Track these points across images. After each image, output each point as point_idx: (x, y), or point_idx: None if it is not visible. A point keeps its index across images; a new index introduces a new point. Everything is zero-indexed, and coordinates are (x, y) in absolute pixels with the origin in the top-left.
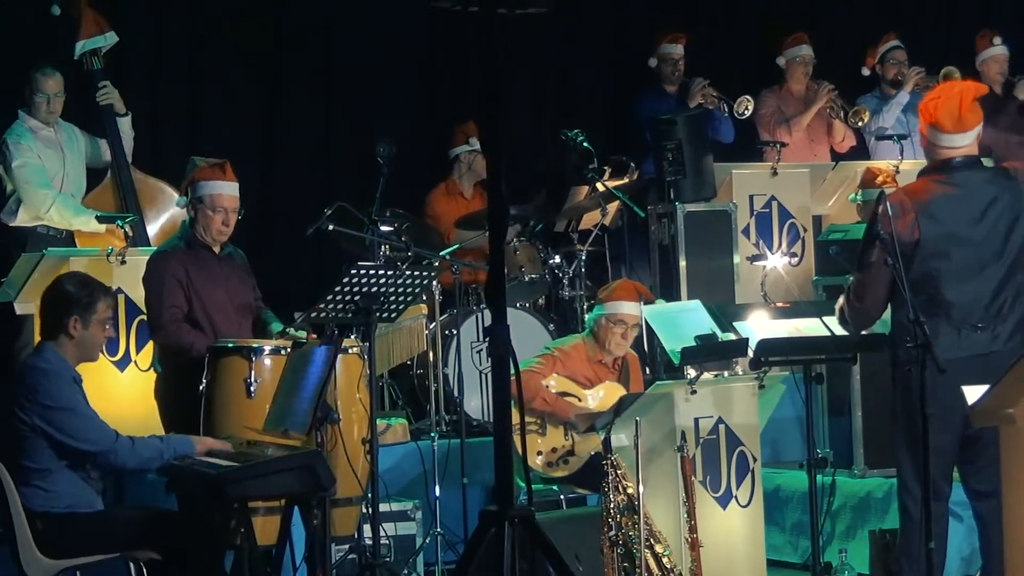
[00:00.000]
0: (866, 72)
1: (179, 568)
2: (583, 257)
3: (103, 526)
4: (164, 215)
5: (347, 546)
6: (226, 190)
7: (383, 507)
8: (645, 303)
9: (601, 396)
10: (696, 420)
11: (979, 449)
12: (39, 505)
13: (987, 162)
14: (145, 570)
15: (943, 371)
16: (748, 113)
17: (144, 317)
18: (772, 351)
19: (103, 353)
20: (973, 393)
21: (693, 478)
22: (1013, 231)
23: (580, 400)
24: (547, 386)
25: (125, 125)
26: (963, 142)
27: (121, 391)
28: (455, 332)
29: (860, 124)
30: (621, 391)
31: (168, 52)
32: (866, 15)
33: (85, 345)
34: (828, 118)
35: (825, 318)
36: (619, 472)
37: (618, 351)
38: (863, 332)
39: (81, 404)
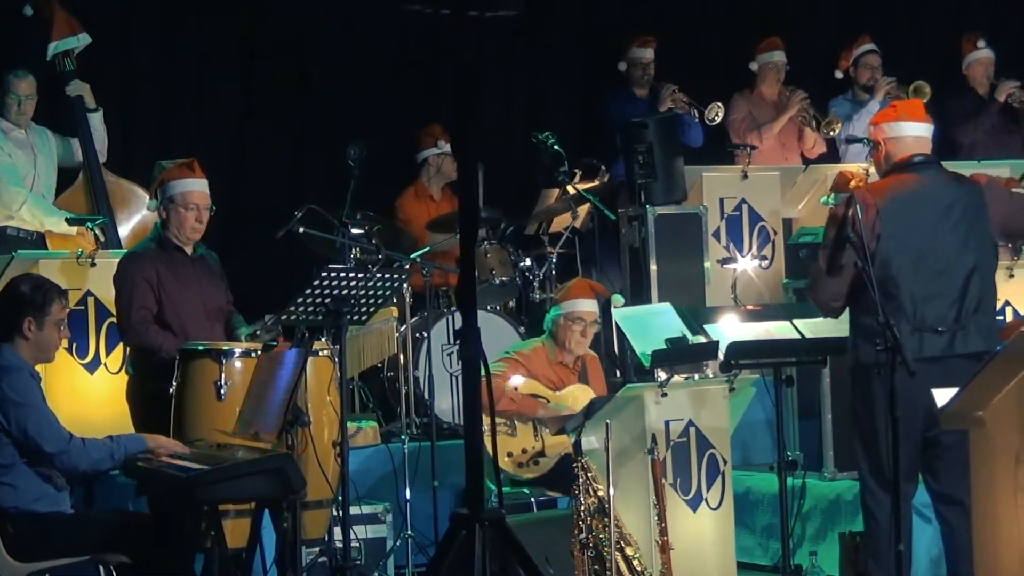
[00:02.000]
0: (839, 75)
1: (149, 572)
2: (554, 260)
3: (73, 529)
4: (135, 217)
5: (318, 549)
6: (196, 187)
7: (353, 510)
8: (602, 300)
9: (569, 395)
10: (667, 423)
11: (939, 452)
12: (8, 502)
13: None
14: (115, 573)
15: (913, 373)
16: (719, 120)
17: (114, 320)
18: (742, 354)
19: (73, 356)
20: (942, 396)
21: (663, 481)
22: (974, 237)
23: (549, 402)
24: (515, 388)
25: (96, 121)
26: (920, 132)
27: (91, 393)
28: (425, 335)
29: (832, 134)
30: (589, 392)
31: (139, 54)
32: (839, 20)
33: (41, 346)
34: (800, 125)
35: (795, 320)
36: (589, 475)
37: (579, 349)
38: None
39: (39, 401)
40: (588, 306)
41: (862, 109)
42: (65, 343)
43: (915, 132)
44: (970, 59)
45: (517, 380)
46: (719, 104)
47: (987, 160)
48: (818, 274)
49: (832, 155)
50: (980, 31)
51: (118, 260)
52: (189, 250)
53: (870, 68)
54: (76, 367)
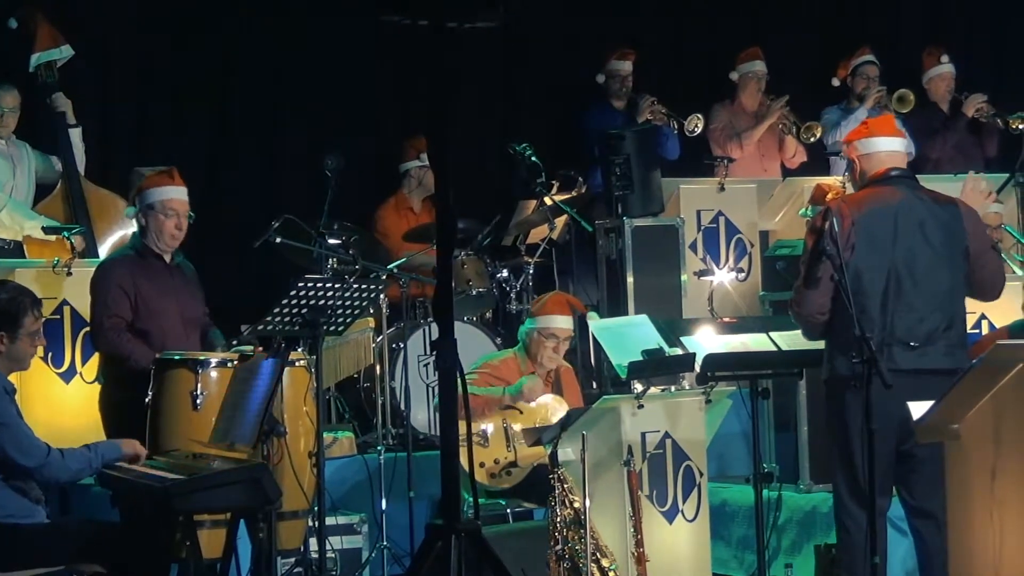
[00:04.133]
0: (836, 83)
1: None
2: (530, 271)
3: (48, 539)
4: (115, 228)
5: (293, 559)
6: (176, 194)
7: (329, 520)
8: (578, 315)
9: (541, 405)
10: (643, 434)
11: (913, 465)
12: None
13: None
14: None
15: (889, 386)
16: (699, 131)
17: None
18: (719, 366)
19: (49, 365)
20: (918, 409)
21: (639, 492)
22: (948, 255)
23: (522, 412)
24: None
25: (76, 137)
26: (894, 147)
27: (67, 403)
28: (402, 345)
29: (812, 139)
30: (563, 403)
31: (117, 66)
32: (821, 31)
33: (15, 358)
34: (780, 134)
35: (772, 333)
36: (565, 486)
37: (550, 364)
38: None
39: (14, 417)
40: (563, 322)
41: (850, 117)
42: (41, 352)
43: (888, 147)
44: (931, 74)
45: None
46: (698, 115)
47: (962, 174)
48: (802, 288)
49: (811, 167)
50: (943, 46)
51: (95, 266)
52: (168, 258)
53: (866, 78)
54: (51, 376)
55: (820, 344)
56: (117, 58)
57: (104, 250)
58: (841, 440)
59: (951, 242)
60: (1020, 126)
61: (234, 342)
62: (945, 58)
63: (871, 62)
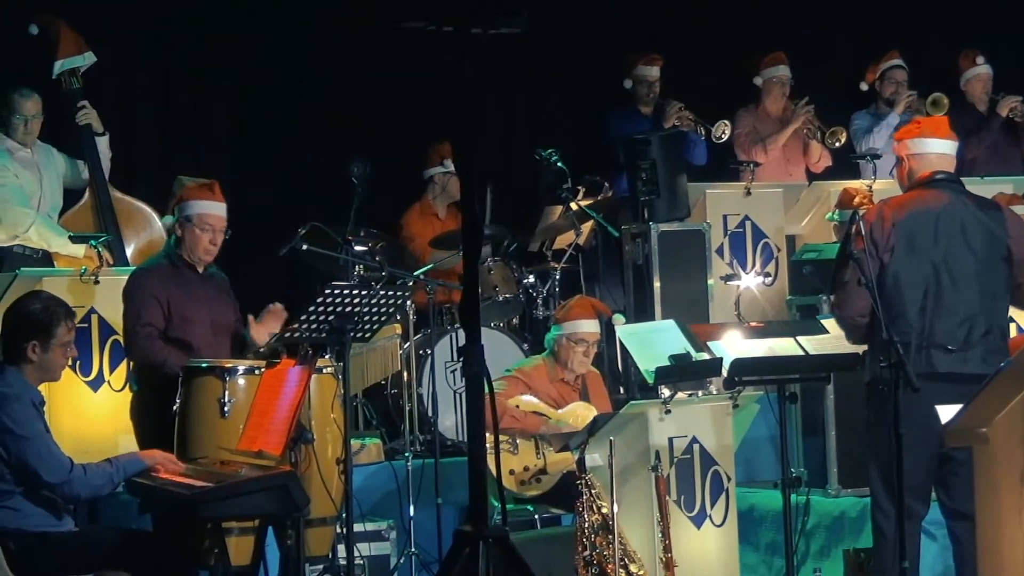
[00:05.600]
0: (864, 87)
1: None
2: (557, 276)
3: (76, 546)
4: (142, 235)
5: (321, 566)
6: (214, 210)
7: (357, 527)
8: (603, 320)
9: (571, 412)
10: (670, 440)
11: (953, 468)
12: (11, 524)
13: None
14: None
15: (916, 390)
16: (726, 137)
17: (118, 337)
18: (746, 371)
19: (76, 373)
20: (947, 412)
21: (667, 498)
22: (991, 260)
23: (551, 419)
24: (515, 406)
25: (103, 145)
26: (943, 150)
27: (94, 411)
28: (429, 352)
29: (837, 144)
30: (592, 410)
31: (141, 72)
32: (849, 36)
33: (46, 368)
34: (805, 138)
35: (799, 337)
36: (593, 491)
37: (580, 369)
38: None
39: (40, 433)
40: (590, 327)
41: (882, 122)
42: (69, 361)
43: (938, 149)
44: (969, 75)
45: (527, 399)
46: (726, 122)
47: (990, 176)
48: (842, 291)
49: (837, 171)
50: (978, 48)
51: (128, 275)
52: (200, 268)
53: (895, 83)
54: (80, 385)
55: (848, 348)
56: (139, 63)
57: (129, 253)
58: (878, 443)
59: (993, 247)
60: None
61: (262, 349)
62: (981, 59)
63: (900, 66)
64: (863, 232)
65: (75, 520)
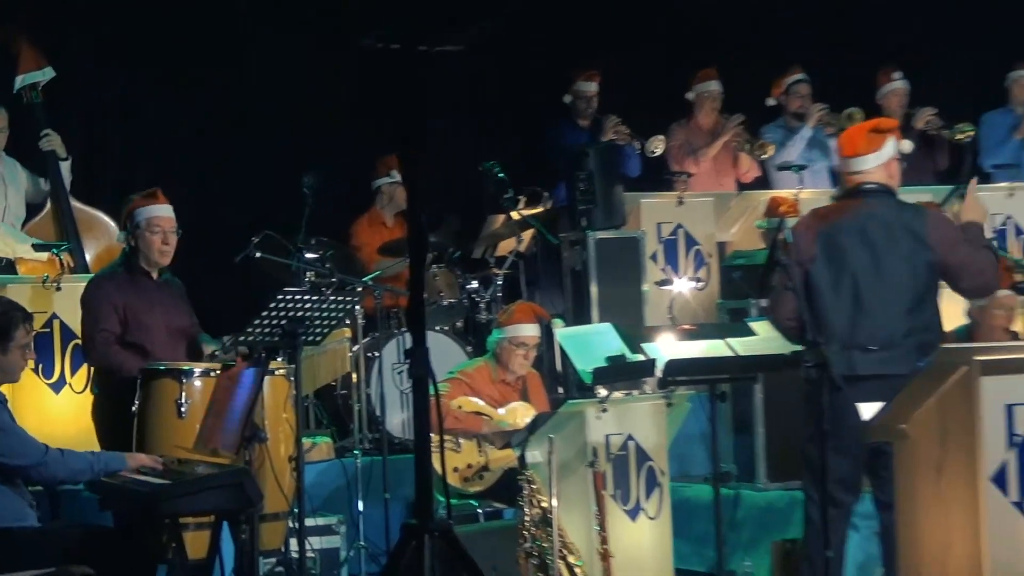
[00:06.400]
0: (771, 103)
1: None
2: (499, 282)
3: (39, 542)
4: (101, 241)
5: (274, 559)
6: (161, 212)
7: (309, 522)
8: (543, 323)
9: (511, 412)
10: (607, 437)
11: (884, 462)
12: None
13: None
14: None
15: (839, 389)
16: (659, 151)
17: (78, 341)
18: (679, 371)
19: (39, 376)
20: (868, 410)
21: (604, 492)
22: (914, 262)
23: (491, 418)
24: (458, 407)
25: (65, 169)
26: (861, 166)
27: (56, 412)
28: (377, 354)
29: (764, 156)
30: (531, 409)
31: (101, 88)
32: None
33: (5, 369)
34: (734, 150)
35: (729, 339)
36: (534, 487)
37: (521, 371)
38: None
39: (7, 422)
40: (530, 330)
41: (795, 136)
42: (32, 364)
43: (862, 164)
44: (885, 90)
45: (469, 399)
46: (661, 137)
47: (906, 187)
48: (772, 296)
49: (765, 181)
50: (895, 64)
51: (82, 284)
52: (155, 275)
53: (800, 97)
54: (42, 387)
55: (776, 349)
56: (99, 78)
57: (89, 260)
58: (809, 438)
59: (918, 251)
60: (962, 138)
61: (217, 353)
62: (897, 75)
63: (803, 80)
64: (790, 240)
65: (38, 516)
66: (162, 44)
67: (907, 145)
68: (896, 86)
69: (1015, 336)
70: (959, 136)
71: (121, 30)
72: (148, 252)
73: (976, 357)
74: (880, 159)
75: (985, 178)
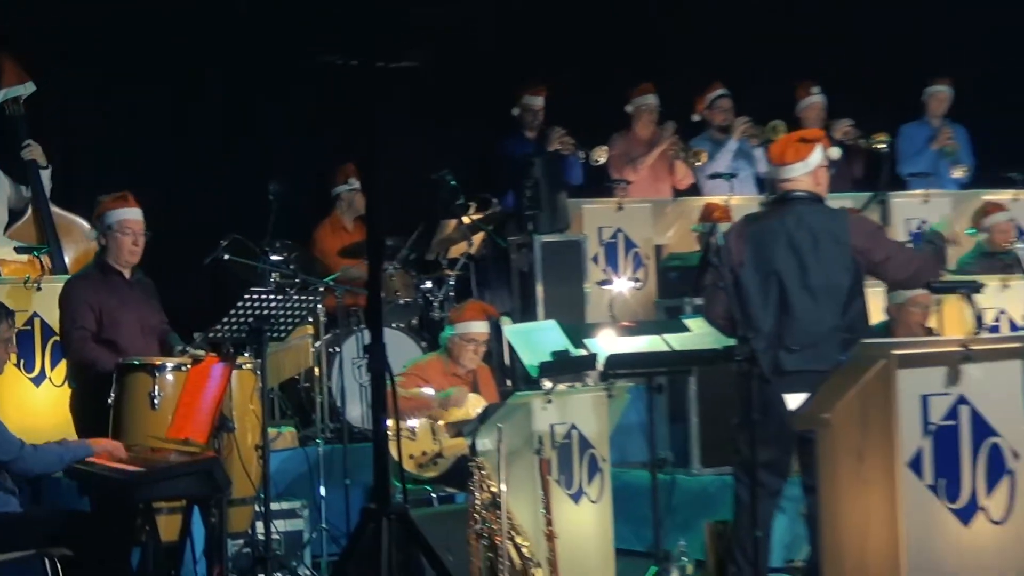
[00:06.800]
0: (696, 118)
1: (90, 564)
2: (451, 283)
3: (20, 526)
4: (80, 244)
5: (242, 541)
6: (132, 215)
7: (274, 506)
8: (493, 321)
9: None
10: (552, 426)
11: (809, 448)
12: None
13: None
14: (59, 566)
15: (767, 381)
16: (601, 161)
17: (57, 338)
18: (619, 365)
19: (21, 371)
20: (794, 400)
21: (549, 477)
22: (837, 263)
23: (446, 409)
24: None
25: (46, 177)
26: (789, 175)
27: (37, 404)
28: (338, 350)
29: (698, 164)
30: (482, 400)
31: (79, 100)
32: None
33: None
34: (670, 159)
35: (665, 335)
36: (484, 473)
37: (471, 365)
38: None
39: None
40: (480, 328)
41: (722, 148)
42: (14, 359)
43: (793, 170)
44: (804, 104)
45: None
46: (603, 148)
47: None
48: (705, 295)
49: (697, 187)
50: (814, 79)
51: (62, 284)
52: (127, 274)
53: (723, 111)
54: (24, 380)
55: (708, 344)
56: (77, 91)
57: (68, 262)
58: (742, 427)
59: (840, 253)
60: (879, 147)
61: (188, 348)
62: (816, 89)
63: (725, 95)
64: (723, 244)
65: (20, 502)
66: (136, 60)
67: (835, 152)
68: (814, 100)
69: (930, 332)
70: (876, 145)
71: (96, 45)
72: (118, 253)
73: (894, 351)
74: (807, 167)
75: (902, 185)
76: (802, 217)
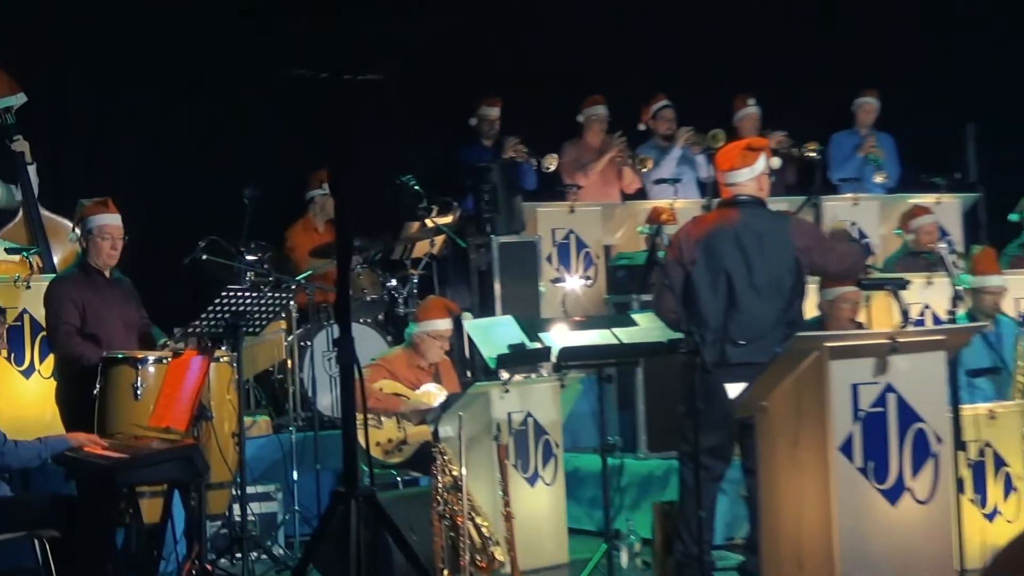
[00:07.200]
0: (642, 127)
1: (78, 544)
2: (415, 281)
3: (11, 509)
4: (67, 247)
5: (220, 522)
6: (110, 220)
7: (250, 489)
8: (454, 316)
9: (425, 393)
10: (509, 414)
11: (749, 433)
12: None
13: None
14: (48, 546)
15: (709, 372)
16: (553, 168)
17: (46, 334)
18: (571, 357)
19: (11, 364)
20: (735, 389)
21: (507, 462)
22: (783, 265)
23: (408, 398)
24: (379, 389)
25: (32, 173)
26: (735, 179)
27: (27, 396)
28: (309, 343)
29: (644, 170)
30: (443, 391)
31: (67, 109)
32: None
33: None
34: (619, 165)
35: (614, 329)
36: (446, 458)
37: (435, 359)
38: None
39: None
40: (443, 324)
41: (667, 155)
42: (4, 353)
43: (739, 176)
44: (740, 115)
45: (388, 383)
46: (554, 155)
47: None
48: (654, 292)
49: (644, 192)
50: (751, 92)
51: (48, 282)
52: (107, 274)
53: (666, 120)
54: (14, 373)
55: (655, 337)
56: (64, 102)
57: (56, 262)
58: (687, 414)
59: (784, 254)
60: (811, 155)
61: (168, 342)
62: (751, 101)
63: (668, 106)
64: (673, 244)
65: (10, 487)
66: (119, 67)
67: (776, 162)
68: (750, 111)
69: (860, 326)
70: (808, 153)
71: (79, 51)
72: (97, 256)
73: (826, 343)
74: (753, 173)
75: (833, 190)
76: (748, 220)
